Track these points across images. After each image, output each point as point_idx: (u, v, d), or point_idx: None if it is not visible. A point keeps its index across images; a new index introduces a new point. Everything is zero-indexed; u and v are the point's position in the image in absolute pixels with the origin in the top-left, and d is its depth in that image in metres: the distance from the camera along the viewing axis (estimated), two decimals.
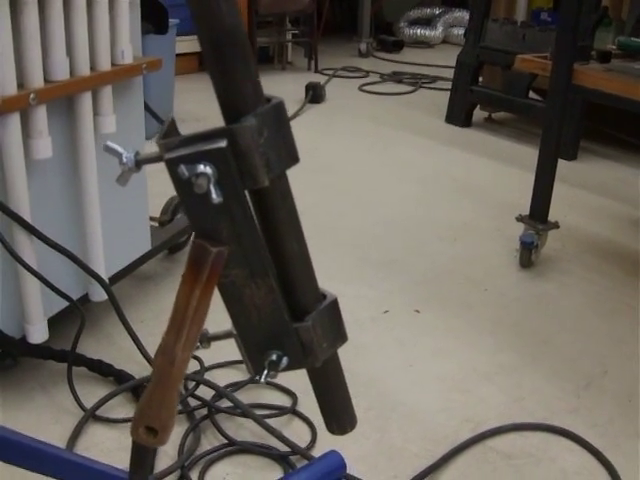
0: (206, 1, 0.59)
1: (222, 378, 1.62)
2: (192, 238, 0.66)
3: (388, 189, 2.92)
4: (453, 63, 4.03)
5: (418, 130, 3.77)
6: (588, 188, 2.98)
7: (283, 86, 4.49)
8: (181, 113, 3.61)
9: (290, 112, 3.74)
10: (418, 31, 6.32)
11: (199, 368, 1.64)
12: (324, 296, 0.75)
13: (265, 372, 0.72)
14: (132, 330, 1.66)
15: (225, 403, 1.53)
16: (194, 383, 1.57)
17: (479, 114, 3.98)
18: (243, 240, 0.65)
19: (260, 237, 0.67)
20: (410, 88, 4.68)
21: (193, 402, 1.53)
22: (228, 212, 0.63)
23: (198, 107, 3.78)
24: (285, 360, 0.72)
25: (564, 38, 2.00)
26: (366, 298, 2.04)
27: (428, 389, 1.66)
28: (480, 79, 3.89)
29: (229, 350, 1.64)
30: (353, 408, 0.83)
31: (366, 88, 4.62)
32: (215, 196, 0.61)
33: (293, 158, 0.67)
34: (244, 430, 1.47)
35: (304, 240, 0.72)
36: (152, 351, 1.66)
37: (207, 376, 1.62)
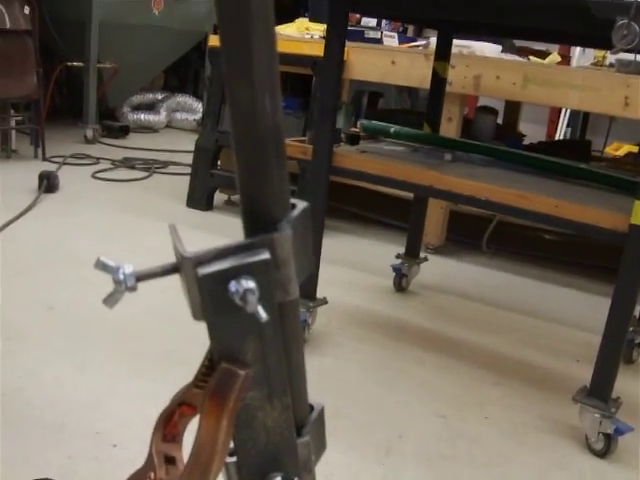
0: (252, 99, 0.54)
1: None
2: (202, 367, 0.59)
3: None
4: (180, 147, 4.07)
5: (161, 215, 3.73)
6: (341, 263, 3.13)
7: (11, 176, 4.24)
8: None
9: (25, 204, 3.56)
10: (142, 116, 6.32)
11: None
12: (311, 406, 0.72)
13: None
14: None
15: None
16: None
17: (220, 197, 4.04)
18: (268, 359, 0.60)
19: (283, 355, 0.62)
20: (144, 174, 4.64)
21: None
22: (259, 330, 0.58)
23: None
24: None
25: (325, 123, 2.11)
26: (149, 394, 1.96)
27: None
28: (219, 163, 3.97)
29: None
30: None
31: (99, 175, 4.50)
32: (264, 315, 0.56)
33: (311, 265, 0.65)
34: None
35: (303, 350, 0.69)
36: None
37: None
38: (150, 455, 0.68)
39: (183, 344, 2.27)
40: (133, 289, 0.58)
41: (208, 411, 0.60)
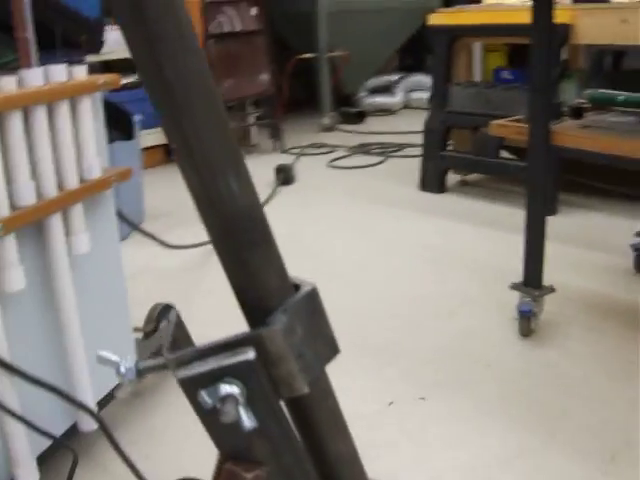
0: (213, 182, 0.50)
1: None
2: (218, 462, 0.56)
3: (374, 266, 2.85)
4: (417, 127, 4.02)
5: (394, 201, 3.72)
6: (574, 242, 2.93)
7: (251, 170, 4.43)
8: (150, 209, 3.53)
9: (262, 197, 3.69)
10: (378, 99, 6.36)
11: None
12: None
13: None
14: (128, 458, 1.55)
15: None
16: None
17: (453, 177, 3.95)
18: (283, 458, 0.55)
19: (303, 450, 0.56)
20: (379, 159, 4.65)
21: None
22: (264, 432, 0.53)
23: (167, 202, 3.71)
24: None
25: (537, 100, 1.95)
26: (368, 389, 1.94)
27: None
28: (450, 142, 3.88)
29: None
30: None
31: (335, 163, 4.58)
32: (247, 421, 0.51)
33: (333, 350, 0.58)
34: None
35: (350, 437, 0.62)
36: (150, 475, 1.56)
37: None
38: None
39: (404, 336, 2.24)
40: (137, 382, 0.54)
41: None
